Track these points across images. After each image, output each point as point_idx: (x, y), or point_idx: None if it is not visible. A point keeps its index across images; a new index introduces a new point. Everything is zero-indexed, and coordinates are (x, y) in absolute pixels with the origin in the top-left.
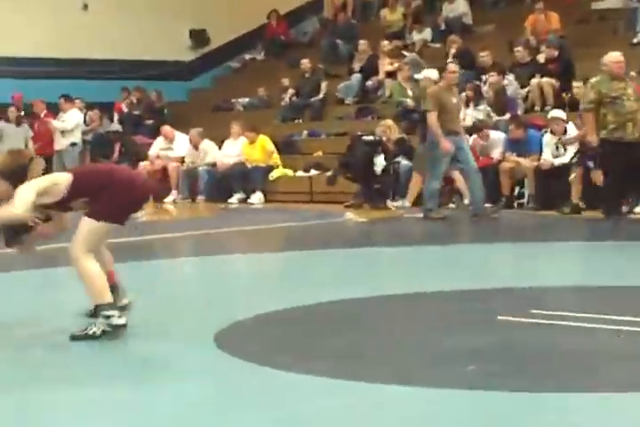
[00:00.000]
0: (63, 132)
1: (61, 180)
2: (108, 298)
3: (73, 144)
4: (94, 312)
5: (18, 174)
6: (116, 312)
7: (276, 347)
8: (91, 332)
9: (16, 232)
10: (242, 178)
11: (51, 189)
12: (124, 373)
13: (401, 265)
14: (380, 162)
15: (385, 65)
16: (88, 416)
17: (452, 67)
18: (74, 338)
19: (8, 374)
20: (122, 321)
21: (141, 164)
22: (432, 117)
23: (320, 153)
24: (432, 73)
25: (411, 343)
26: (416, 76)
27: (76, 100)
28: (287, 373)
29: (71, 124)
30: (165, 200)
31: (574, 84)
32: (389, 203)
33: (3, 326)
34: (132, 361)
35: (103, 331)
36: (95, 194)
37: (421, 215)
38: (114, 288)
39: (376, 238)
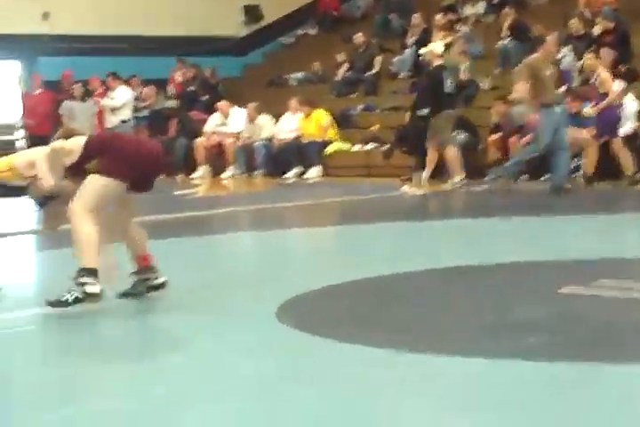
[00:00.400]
0: (113, 110)
1: (78, 143)
2: (92, 263)
3: (123, 121)
4: (75, 275)
5: None
6: (92, 280)
7: (336, 319)
8: (63, 299)
9: (46, 198)
10: (298, 153)
11: (68, 151)
12: (185, 345)
13: (460, 238)
14: None
15: (438, 39)
16: (152, 385)
17: (551, 40)
18: (50, 304)
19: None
20: (95, 289)
21: (197, 139)
22: (522, 88)
23: (376, 127)
24: (437, 46)
25: (471, 315)
26: (421, 51)
27: (134, 78)
28: (347, 345)
29: (120, 101)
30: (222, 175)
31: None
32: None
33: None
34: (194, 335)
35: (76, 298)
36: (104, 153)
37: (480, 188)
38: (148, 271)
39: (434, 211)
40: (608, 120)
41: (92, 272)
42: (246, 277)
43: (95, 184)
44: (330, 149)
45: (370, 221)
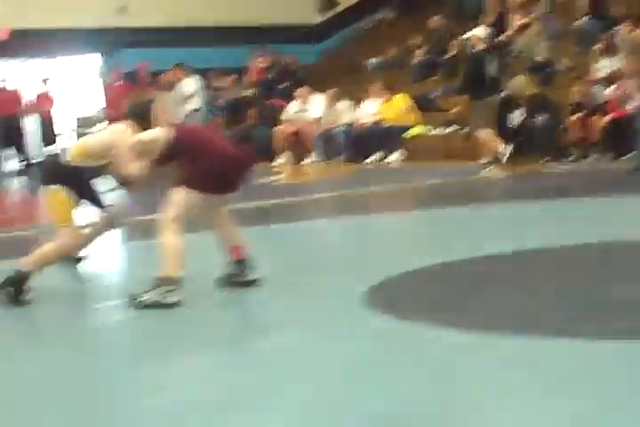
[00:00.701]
0: (184, 100)
1: (161, 136)
2: (175, 272)
3: (195, 110)
4: (157, 281)
5: (142, 112)
6: (174, 288)
7: (427, 304)
8: (141, 299)
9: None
10: (379, 137)
11: (148, 148)
12: (275, 331)
13: (547, 219)
14: (516, 117)
15: (515, 20)
16: (243, 372)
17: None
18: (129, 301)
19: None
20: (173, 299)
21: (277, 127)
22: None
23: (457, 109)
24: (480, 31)
25: (565, 297)
26: (464, 35)
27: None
28: (438, 328)
29: (190, 90)
30: (303, 162)
31: None
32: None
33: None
34: (284, 320)
35: (153, 302)
36: (188, 158)
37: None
38: (241, 263)
39: (517, 194)
40: None
41: (173, 281)
42: (334, 262)
43: (183, 197)
44: (411, 133)
45: (454, 204)
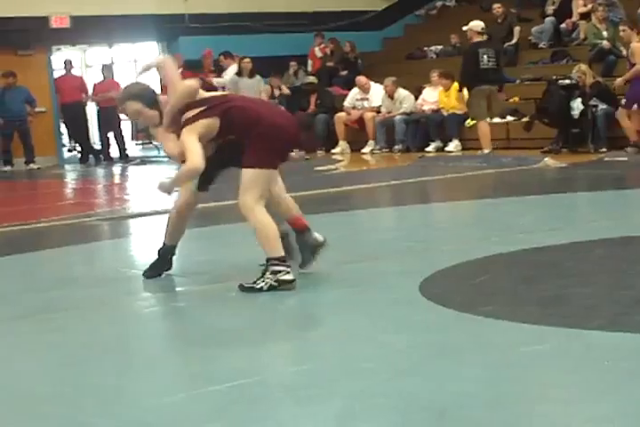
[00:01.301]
0: (223, 88)
1: (213, 125)
2: (279, 251)
3: None
4: (265, 265)
5: (148, 95)
6: (285, 268)
7: (480, 294)
8: (258, 286)
9: (206, 178)
10: (438, 126)
11: (205, 134)
12: (329, 319)
13: (604, 210)
14: (577, 106)
15: (579, 6)
16: (298, 360)
17: None
18: (242, 289)
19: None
20: (289, 277)
21: (337, 115)
22: None
23: (516, 99)
24: (478, 24)
25: (617, 289)
26: (464, 27)
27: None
28: (493, 320)
29: (227, 80)
30: (362, 150)
31: None
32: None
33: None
34: (338, 308)
35: (270, 286)
36: (242, 134)
37: (624, 158)
38: (303, 231)
39: (577, 183)
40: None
41: (281, 260)
42: (390, 251)
43: (251, 177)
44: (470, 122)
45: (512, 193)
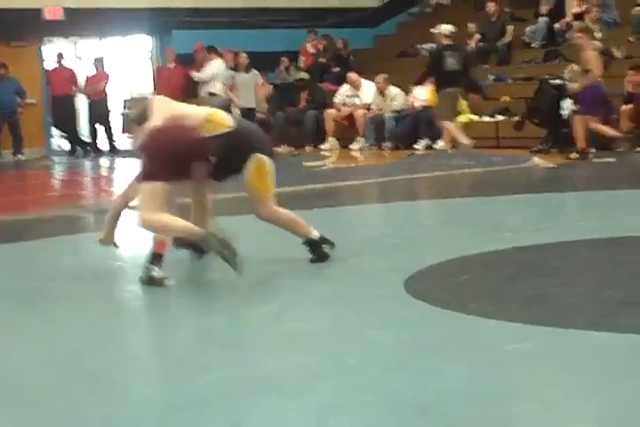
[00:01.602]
0: (204, 83)
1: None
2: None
3: (211, 94)
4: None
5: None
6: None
7: (466, 292)
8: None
9: None
10: (428, 124)
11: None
12: (314, 315)
13: (591, 210)
14: (567, 106)
15: (573, 7)
16: (283, 354)
17: None
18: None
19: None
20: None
21: (328, 111)
22: None
23: (507, 98)
24: (447, 27)
25: (602, 289)
26: (432, 29)
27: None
28: (477, 317)
29: (206, 74)
30: (351, 147)
31: None
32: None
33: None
34: (322, 304)
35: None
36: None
37: (612, 160)
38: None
39: (565, 183)
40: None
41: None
42: (376, 248)
43: (144, 191)
44: (460, 120)
45: (500, 192)
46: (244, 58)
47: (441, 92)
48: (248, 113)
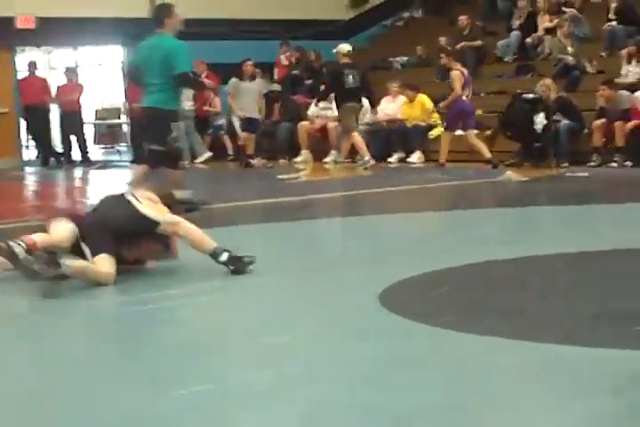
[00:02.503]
0: None
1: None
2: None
3: None
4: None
5: None
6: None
7: (440, 306)
8: None
9: None
10: (401, 137)
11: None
12: (287, 328)
13: (565, 224)
14: (540, 120)
15: (544, 22)
16: (257, 367)
17: None
18: None
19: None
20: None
21: (301, 123)
22: None
23: (479, 112)
24: (344, 47)
25: (576, 302)
26: (333, 50)
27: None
28: (452, 331)
29: None
30: (325, 160)
31: None
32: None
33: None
34: (296, 317)
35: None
36: None
37: (585, 174)
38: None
39: (538, 197)
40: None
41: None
42: (350, 261)
43: None
44: (433, 134)
45: (473, 206)
46: (249, 66)
47: (342, 108)
48: (249, 123)
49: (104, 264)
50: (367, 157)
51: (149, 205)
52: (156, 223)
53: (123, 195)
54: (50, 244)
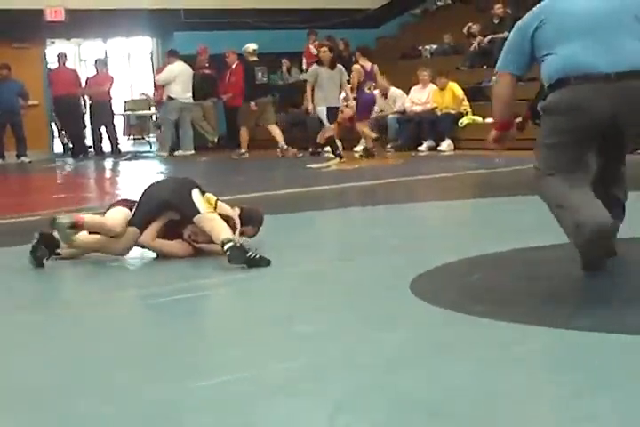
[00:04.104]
0: (164, 86)
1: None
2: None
3: (170, 98)
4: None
5: None
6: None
7: (472, 293)
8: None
9: None
10: (431, 125)
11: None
12: (318, 316)
13: None
14: None
15: None
16: (290, 356)
17: None
18: None
19: None
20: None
21: None
22: None
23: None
24: (251, 46)
25: (608, 289)
26: (243, 48)
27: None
28: (485, 319)
29: (162, 77)
30: (354, 149)
31: None
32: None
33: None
34: (327, 305)
35: None
36: None
37: None
38: None
39: None
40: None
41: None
42: (381, 249)
43: None
44: (464, 122)
45: (505, 193)
46: (324, 52)
47: (245, 104)
48: (331, 112)
49: (112, 217)
50: (243, 150)
51: (202, 199)
52: (196, 211)
53: (188, 179)
54: (99, 226)
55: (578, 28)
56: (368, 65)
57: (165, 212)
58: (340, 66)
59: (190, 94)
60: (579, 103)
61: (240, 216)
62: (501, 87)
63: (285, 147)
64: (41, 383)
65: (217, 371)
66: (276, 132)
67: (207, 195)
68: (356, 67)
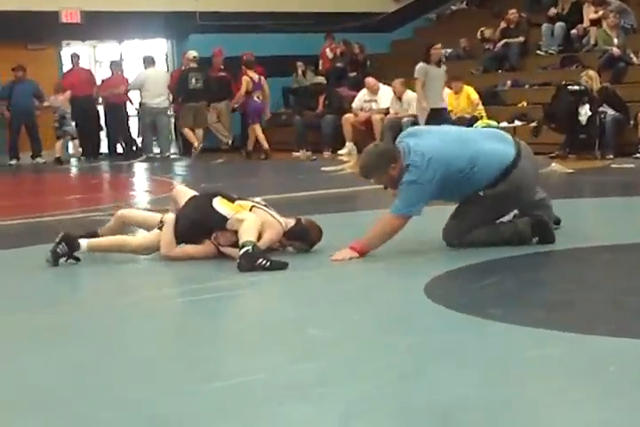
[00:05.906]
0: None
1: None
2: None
3: (140, 104)
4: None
5: None
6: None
7: (486, 297)
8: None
9: None
10: None
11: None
12: (331, 319)
13: (611, 216)
14: (584, 112)
15: (589, 13)
16: (303, 359)
17: None
18: None
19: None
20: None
21: (345, 116)
22: None
23: (524, 103)
24: (191, 53)
25: (624, 294)
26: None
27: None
28: (499, 323)
29: (133, 84)
30: (340, 152)
31: None
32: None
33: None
34: (340, 307)
35: None
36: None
37: (631, 165)
38: None
39: (583, 189)
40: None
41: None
42: (395, 252)
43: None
44: (479, 125)
45: None
46: (437, 50)
47: (186, 106)
48: (436, 114)
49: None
50: (196, 144)
51: (226, 204)
52: (224, 218)
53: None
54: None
55: None
56: (256, 77)
57: (199, 228)
58: (444, 66)
59: (162, 99)
60: None
61: (293, 229)
62: (397, 228)
63: (200, 147)
64: (56, 384)
65: (231, 373)
66: (187, 134)
67: (239, 202)
68: (245, 78)
